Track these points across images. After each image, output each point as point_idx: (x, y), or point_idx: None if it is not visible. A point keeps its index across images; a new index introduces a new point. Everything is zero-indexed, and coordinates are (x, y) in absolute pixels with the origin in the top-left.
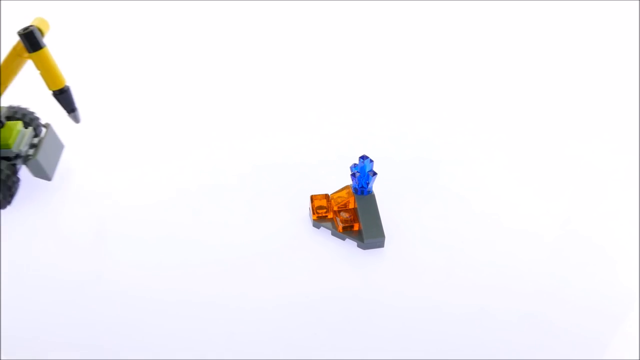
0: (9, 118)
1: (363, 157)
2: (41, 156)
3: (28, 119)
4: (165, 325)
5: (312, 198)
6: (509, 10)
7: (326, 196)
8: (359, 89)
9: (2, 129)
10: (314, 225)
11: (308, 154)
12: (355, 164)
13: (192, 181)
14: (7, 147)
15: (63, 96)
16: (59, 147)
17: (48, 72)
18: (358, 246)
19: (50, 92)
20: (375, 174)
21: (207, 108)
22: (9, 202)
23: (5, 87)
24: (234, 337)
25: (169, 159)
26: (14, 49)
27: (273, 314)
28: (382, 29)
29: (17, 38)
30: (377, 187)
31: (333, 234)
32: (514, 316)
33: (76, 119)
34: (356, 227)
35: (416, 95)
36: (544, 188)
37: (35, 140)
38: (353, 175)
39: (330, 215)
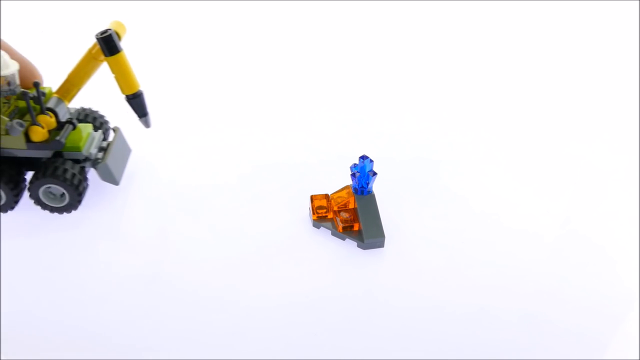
0: (78, 120)
1: (363, 157)
2: (110, 161)
3: (97, 121)
4: (163, 325)
5: (312, 198)
6: (509, 11)
7: (326, 196)
8: (359, 89)
9: (73, 131)
10: (314, 225)
11: (308, 154)
12: (355, 164)
13: (196, 180)
14: (78, 149)
15: (136, 101)
16: (126, 151)
17: (123, 76)
18: (358, 246)
19: (124, 96)
20: (375, 174)
21: (210, 109)
22: (76, 206)
23: (79, 89)
24: (234, 336)
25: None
26: (89, 51)
27: (273, 313)
28: (382, 29)
29: (93, 40)
30: (377, 187)
31: (333, 234)
32: (514, 316)
33: (147, 124)
34: (356, 227)
35: (416, 95)
36: (544, 188)
37: (104, 144)
38: (353, 175)
39: (330, 215)
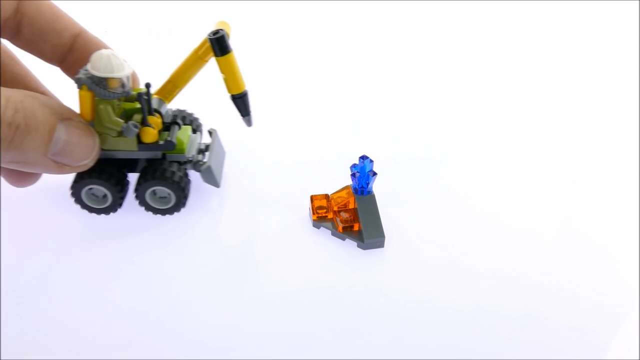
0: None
1: (363, 157)
2: (213, 163)
3: (193, 124)
4: (164, 326)
5: (312, 198)
6: (509, 11)
7: (326, 196)
8: (359, 89)
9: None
10: (314, 225)
11: (308, 154)
12: (355, 164)
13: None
14: (181, 152)
15: (242, 100)
16: (222, 153)
17: (232, 76)
18: (358, 246)
19: (229, 96)
20: (375, 174)
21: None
22: (183, 205)
23: (180, 90)
24: (234, 336)
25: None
26: (195, 52)
27: (273, 314)
28: (382, 29)
29: (197, 41)
30: (377, 187)
31: (333, 234)
32: (514, 316)
33: (249, 123)
34: (356, 227)
35: (416, 95)
36: (543, 188)
37: (202, 146)
38: (353, 175)
39: (330, 216)
